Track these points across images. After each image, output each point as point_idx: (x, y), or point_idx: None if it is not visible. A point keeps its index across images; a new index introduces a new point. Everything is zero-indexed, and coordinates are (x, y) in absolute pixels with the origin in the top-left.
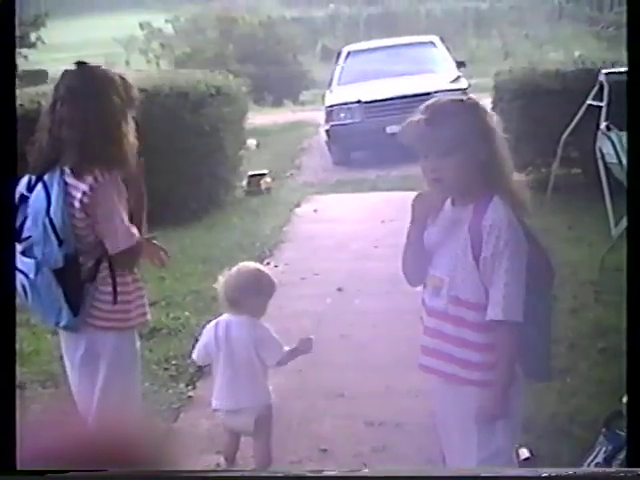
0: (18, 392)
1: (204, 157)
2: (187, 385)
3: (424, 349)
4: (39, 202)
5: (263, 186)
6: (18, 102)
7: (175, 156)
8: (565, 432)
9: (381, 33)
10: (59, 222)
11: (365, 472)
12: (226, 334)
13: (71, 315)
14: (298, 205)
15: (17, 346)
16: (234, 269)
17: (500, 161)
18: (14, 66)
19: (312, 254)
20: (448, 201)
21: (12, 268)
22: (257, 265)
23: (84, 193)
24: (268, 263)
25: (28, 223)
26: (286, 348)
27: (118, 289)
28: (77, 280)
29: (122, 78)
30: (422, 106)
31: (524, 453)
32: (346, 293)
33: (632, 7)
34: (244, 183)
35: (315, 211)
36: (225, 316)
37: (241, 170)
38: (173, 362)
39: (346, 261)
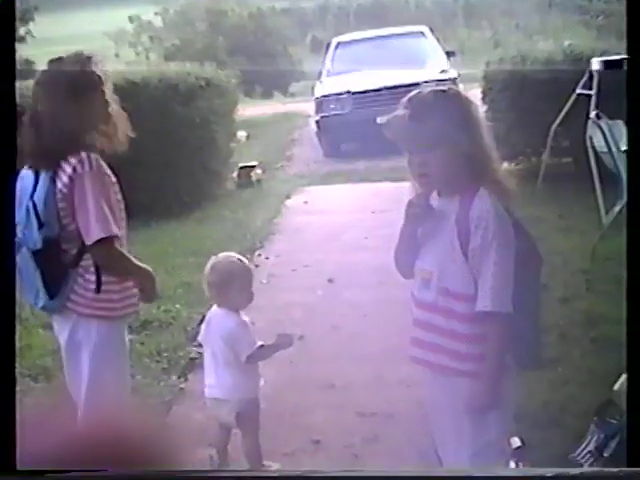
0: (44, 397)
1: (195, 149)
2: (179, 377)
3: (414, 341)
4: (26, 183)
5: (254, 178)
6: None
7: (165, 149)
8: (557, 421)
9: (371, 24)
10: (41, 205)
11: (365, 472)
12: (208, 326)
13: (47, 297)
14: (289, 197)
15: None
16: (208, 263)
17: (485, 152)
18: (14, 65)
19: (303, 246)
20: (434, 193)
21: (12, 266)
22: (227, 256)
23: (64, 183)
24: (259, 255)
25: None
26: (260, 343)
27: (103, 278)
28: (56, 264)
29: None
30: (404, 99)
31: (516, 442)
32: (337, 284)
33: (632, 7)
34: (234, 175)
35: (305, 203)
36: (214, 307)
37: (232, 162)
38: (165, 355)
39: (337, 252)
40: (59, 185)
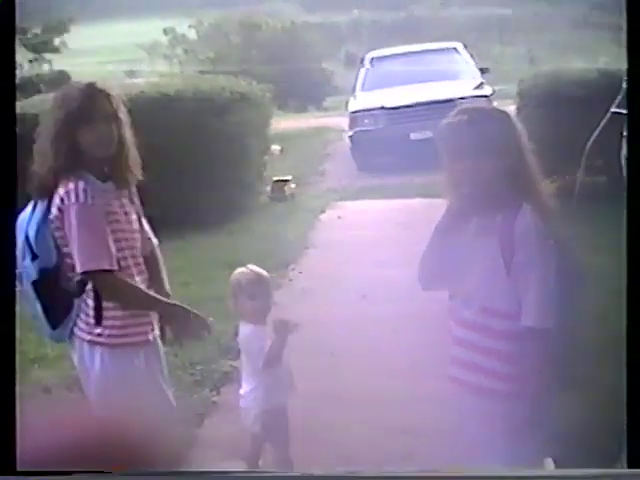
0: (44, 396)
1: (228, 163)
2: (211, 390)
3: (453, 359)
4: (24, 215)
5: (287, 192)
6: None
7: (199, 161)
8: (590, 443)
9: (404, 39)
10: (33, 236)
11: (365, 472)
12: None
13: (49, 328)
14: (322, 211)
15: (42, 350)
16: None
17: (530, 168)
18: (14, 66)
19: (336, 260)
20: (475, 212)
21: (12, 272)
22: (241, 268)
23: (55, 214)
24: (293, 269)
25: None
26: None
27: (105, 305)
28: (56, 294)
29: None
30: (460, 108)
31: (550, 464)
32: (369, 300)
33: (632, 8)
34: (268, 189)
35: (339, 217)
36: None
37: (265, 176)
38: (198, 367)
39: (370, 268)
40: (51, 216)
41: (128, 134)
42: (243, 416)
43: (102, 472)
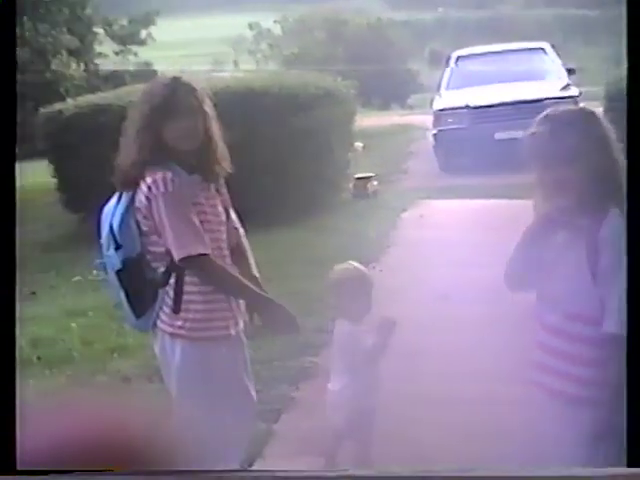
0: (124, 386)
1: (312, 158)
2: (290, 386)
3: (537, 365)
4: (109, 206)
5: (369, 189)
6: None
7: (282, 156)
8: None
9: (490, 37)
10: (117, 226)
11: (365, 472)
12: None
13: (133, 317)
14: (404, 210)
15: (122, 340)
16: (331, 271)
17: (618, 172)
18: (14, 64)
19: (417, 259)
20: (564, 218)
21: (12, 263)
22: (345, 264)
23: (142, 203)
24: (374, 267)
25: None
26: (369, 343)
27: (185, 297)
28: (140, 284)
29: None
30: (540, 117)
31: None
32: (450, 300)
33: (632, 8)
34: (351, 186)
35: (421, 216)
36: None
37: (348, 173)
38: (277, 362)
39: (451, 268)
40: (138, 205)
41: (215, 127)
42: (330, 412)
43: (102, 472)
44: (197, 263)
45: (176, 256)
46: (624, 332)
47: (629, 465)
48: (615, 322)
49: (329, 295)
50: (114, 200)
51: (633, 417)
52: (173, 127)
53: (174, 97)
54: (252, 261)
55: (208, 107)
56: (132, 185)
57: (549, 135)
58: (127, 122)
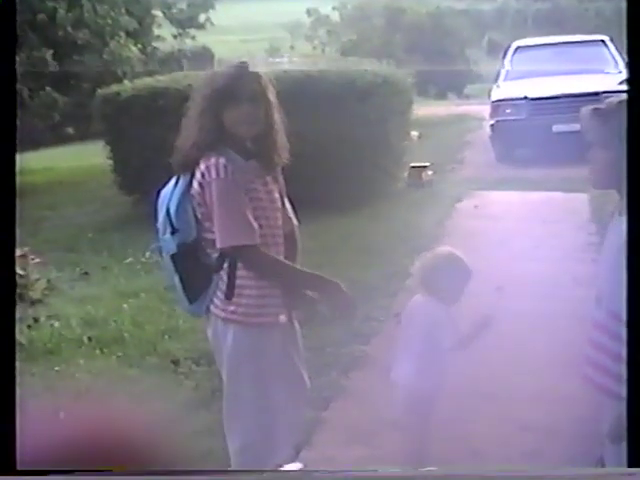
0: (172, 367)
1: (368, 146)
2: (340, 374)
3: (587, 359)
4: (167, 189)
5: (424, 178)
6: (186, 83)
7: (339, 144)
8: None
9: (549, 29)
10: (174, 210)
11: (365, 472)
12: (407, 311)
13: (187, 302)
14: (459, 200)
15: (173, 322)
16: (431, 251)
17: None
18: (14, 64)
19: (471, 250)
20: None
21: (12, 272)
22: (453, 250)
23: (196, 189)
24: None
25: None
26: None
27: (238, 282)
28: (194, 268)
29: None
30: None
31: None
32: (505, 293)
33: (632, 8)
34: (406, 174)
35: (476, 207)
36: (417, 295)
37: (403, 161)
38: (328, 350)
39: (505, 260)
40: (193, 192)
41: (276, 116)
42: (391, 389)
43: (102, 472)
44: (242, 253)
45: (218, 244)
46: None
47: (629, 465)
48: None
49: (427, 273)
50: (171, 184)
51: (633, 417)
52: (234, 112)
53: (238, 82)
54: (298, 256)
55: (271, 95)
56: (190, 167)
57: (610, 114)
58: (190, 103)
